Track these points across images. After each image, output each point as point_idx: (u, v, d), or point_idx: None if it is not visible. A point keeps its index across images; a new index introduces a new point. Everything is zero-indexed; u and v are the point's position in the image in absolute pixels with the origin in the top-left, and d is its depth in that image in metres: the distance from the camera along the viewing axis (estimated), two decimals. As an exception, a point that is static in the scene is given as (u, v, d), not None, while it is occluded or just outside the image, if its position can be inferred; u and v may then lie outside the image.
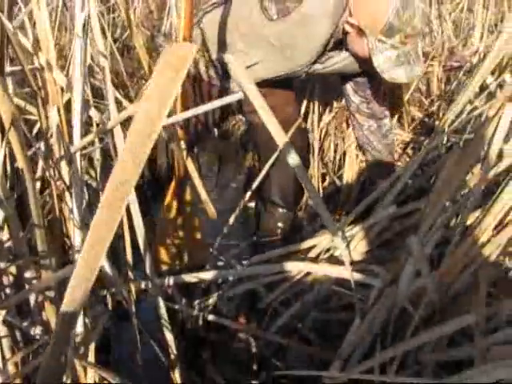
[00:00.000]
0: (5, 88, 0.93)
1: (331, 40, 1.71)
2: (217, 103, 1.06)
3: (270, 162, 1.75)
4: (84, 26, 0.99)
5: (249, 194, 1.64)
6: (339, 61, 1.83)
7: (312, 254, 1.53)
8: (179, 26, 1.33)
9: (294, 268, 1.36)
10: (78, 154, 1.08)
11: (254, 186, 1.64)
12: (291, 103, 2.08)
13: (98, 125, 1.23)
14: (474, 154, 1.12)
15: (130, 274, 1.27)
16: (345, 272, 1.25)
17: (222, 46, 1.80)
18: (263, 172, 1.89)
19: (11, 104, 0.93)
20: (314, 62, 1.79)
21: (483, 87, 1.84)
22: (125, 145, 0.36)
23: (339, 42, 1.75)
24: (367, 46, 1.65)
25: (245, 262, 1.70)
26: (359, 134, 2.19)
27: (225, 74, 1.90)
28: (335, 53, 1.81)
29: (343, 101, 2.26)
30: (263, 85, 1.90)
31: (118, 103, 1.56)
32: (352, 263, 1.25)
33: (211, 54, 1.84)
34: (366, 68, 1.89)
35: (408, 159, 2.42)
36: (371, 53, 1.64)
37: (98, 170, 1.58)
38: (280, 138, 0.95)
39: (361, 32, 1.64)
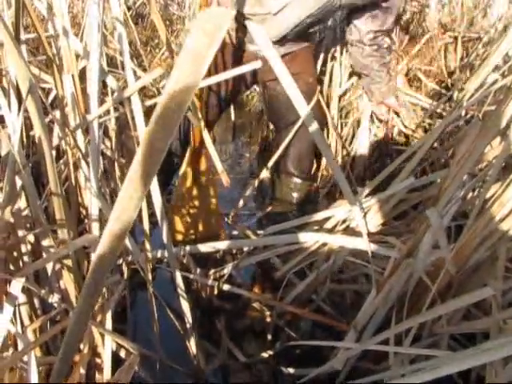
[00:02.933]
0: (22, 55, 0.92)
1: None
2: (236, 71, 1.05)
3: (291, 131, 1.75)
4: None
5: (264, 163, 1.62)
6: None
7: (328, 225, 1.53)
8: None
9: (310, 239, 1.36)
10: (94, 123, 1.07)
11: (275, 157, 1.63)
12: (311, 73, 2.06)
13: (113, 94, 1.22)
14: (495, 127, 1.10)
15: (146, 243, 1.27)
16: (362, 243, 1.25)
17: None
18: (285, 142, 1.88)
19: (28, 71, 0.92)
20: None
21: (505, 60, 1.81)
22: (155, 112, 0.35)
23: None
24: None
25: (260, 232, 1.70)
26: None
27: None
28: None
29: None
30: (285, 55, 1.89)
31: (132, 71, 1.55)
32: (368, 234, 1.25)
33: (238, 7, 1.80)
34: None
35: (426, 131, 2.39)
36: None
37: (114, 139, 1.57)
38: (301, 105, 0.93)
39: None
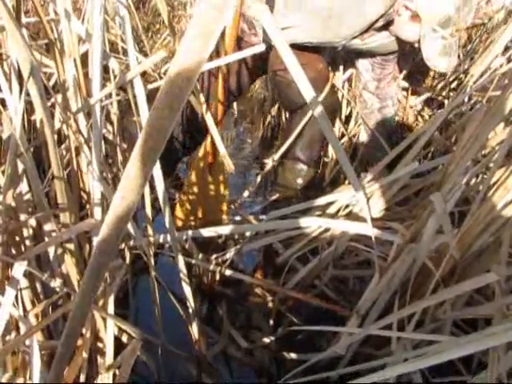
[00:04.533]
0: (23, 37, 0.91)
1: (381, 19, 1.70)
2: (238, 55, 1.05)
3: (303, 118, 1.74)
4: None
5: (266, 150, 1.62)
6: (378, 39, 1.84)
7: (331, 210, 1.52)
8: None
9: (313, 223, 1.35)
10: (96, 106, 1.06)
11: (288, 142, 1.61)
12: (321, 60, 2.06)
13: (115, 77, 1.21)
14: (499, 113, 1.10)
15: (149, 228, 1.27)
16: (365, 228, 1.25)
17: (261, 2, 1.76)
18: (297, 129, 1.88)
19: (29, 52, 0.91)
20: (355, 37, 1.78)
21: (508, 45, 1.80)
22: (161, 90, 0.34)
23: (387, 23, 1.73)
24: (418, 33, 1.67)
25: (263, 217, 1.70)
26: (362, 112, 2.20)
27: (257, 30, 1.87)
28: (377, 32, 1.80)
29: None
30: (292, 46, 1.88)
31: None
32: (371, 220, 1.24)
33: (246, 8, 1.80)
34: (399, 50, 1.90)
35: (430, 116, 2.38)
36: (422, 40, 1.67)
37: (116, 123, 1.57)
38: (310, 96, 0.93)
39: (416, 18, 1.65)
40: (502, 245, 1.09)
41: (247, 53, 1.09)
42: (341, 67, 2.34)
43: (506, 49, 1.86)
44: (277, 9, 1.75)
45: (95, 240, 1.09)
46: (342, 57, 2.31)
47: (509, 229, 1.09)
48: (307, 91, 0.94)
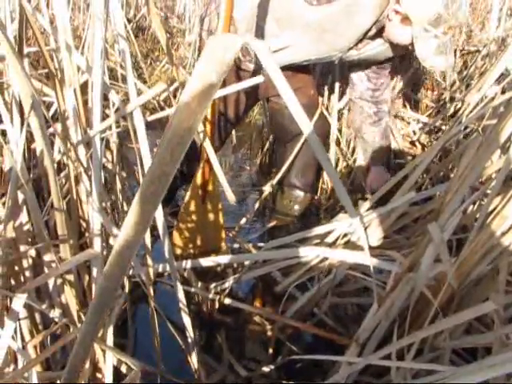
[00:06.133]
0: (24, 70, 0.93)
1: (373, 27, 1.72)
2: (238, 86, 1.06)
3: (295, 144, 1.75)
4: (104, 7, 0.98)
5: (264, 176, 1.63)
6: (374, 47, 1.85)
7: (329, 239, 1.53)
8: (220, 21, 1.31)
9: (311, 253, 1.36)
10: (96, 138, 1.07)
11: (282, 170, 1.63)
12: (312, 86, 2.08)
13: (114, 105, 1.22)
14: (496, 143, 1.11)
15: (148, 257, 1.27)
16: (363, 257, 1.25)
17: (252, 29, 1.78)
18: (291, 155, 1.89)
19: (31, 87, 0.92)
20: (350, 48, 1.80)
21: (503, 74, 1.82)
22: (162, 139, 0.35)
23: (380, 29, 1.75)
24: (411, 35, 1.68)
25: (261, 245, 1.70)
26: (355, 119, 2.20)
27: (253, 57, 1.89)
28: (371, 40, 1.82)
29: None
30: (285, 69, 1.90)
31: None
32: (369, 248, 1.25)
33: (242, 35, 1.82)
34: (395, 55, 1.91)
35: (425, 143, 2.40)
36: (415, 41, 1.68)
37: (115, 152, 1.58)
38: (303, 121, 0.93)
39: (406, 20, 1.67)
40: (499, 273, 1.09)
41: (247, 84, 1.10)
42: (335, 91, 2.36)
43: (502, 75, 1.88)
44: (269, 31, 1.77)
45: (95, 270, 1.09)
46: (334, 71, 2.32)
47: (506, 257, 1.09)
48: (300, 117, 0.95)
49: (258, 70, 1.84)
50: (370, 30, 1.73)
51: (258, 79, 1.09)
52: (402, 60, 2.51)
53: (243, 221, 1.92)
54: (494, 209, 1.11)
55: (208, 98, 0.32)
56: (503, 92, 1.78)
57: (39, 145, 0.95)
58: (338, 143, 2.45)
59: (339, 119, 2.45)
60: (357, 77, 2.10)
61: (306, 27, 1.72)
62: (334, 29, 1.70)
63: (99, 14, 0.96)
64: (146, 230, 0.40)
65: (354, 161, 2.47)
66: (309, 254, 1.36)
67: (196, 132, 1.39)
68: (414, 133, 2.50)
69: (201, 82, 0.31)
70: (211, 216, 1.68)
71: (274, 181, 2.07)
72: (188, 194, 1.65)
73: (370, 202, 1.52)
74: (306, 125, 0.98)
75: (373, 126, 2.15)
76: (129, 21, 4.18)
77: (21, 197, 1.03)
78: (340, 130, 2.47)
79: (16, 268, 1.08)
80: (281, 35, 1.76)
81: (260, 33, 1.78)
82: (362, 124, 2.18)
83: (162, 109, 2.78)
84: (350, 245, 1.48)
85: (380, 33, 1.78)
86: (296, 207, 2.17)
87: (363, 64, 2.01)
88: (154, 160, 0.36)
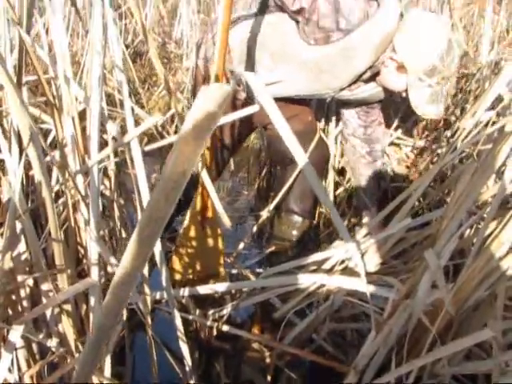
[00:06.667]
0: (23, 102, 0.94)
1: (368, 71, 1.75)
2: (234, 115, 1.07)
3: (294, 170, 1.76)
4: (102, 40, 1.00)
5: (262, 201, 1.64)
6: (366, 90, 1.88)
7: (327, 266, 1.53)
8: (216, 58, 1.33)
9: (308, 280, 1.36)
10: (94, 168, 1.08)
11: (279, 196, 1.64)
12: (309, 112, 2.10)
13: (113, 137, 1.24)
14: (490, 169, 1.12)
15: (145, 286, 1.27)
16: (360, 284, 1.25)
17: (248, 61, 1.81)
18: (289, 182, 1.90)
19: (30, 119, 0.93)
20: (343, 89, 1.82)
21: (497, 99, 1.84)
22: (157, 185, 0.36)
23: (374, 74, 1.78)
24: (405, 82, 1.71)
25: (259, 270, 1.70)
26: (350, 159, 2.21)
27: (248, 88, 1.91)
28: (365, 83, 1.85)
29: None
30: (280, 99, 1.93)
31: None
32: (367, 274, 1.25)
33: (235, 67, 1.84)
34: (386, 98, 1.94)
35: (421, 167, 2.40)
36: (409, 89, 1.71)
37: (113, 179, 1.58)
38: (297, 151, 0.95)
39: (401, 68, 1.70)
40: (497, 299, 1.09)
41: (242, 113, 1.11)
42: (333, 118, 2.37)
43: (496, 100, 1.90)
44: (263, 64, 1.79)
45: (92, 299, 1.09)
46: (328, 105, 2.34)
47: (504, 283, 1.09)
48: (294, 147, 0.96)
49: (253, 98, 1.85)
50: (364, 73, 1.76)
51: (254, 108, 1.10)
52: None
53: (241, 246, 1.92)
54: (491, 234, 1.12)
55: (201, 145, 0.33)
56: (498, 115, 1.80)
57: (37, 176, 0.95)
58: (338, 169, 2.46)
59: (338, 143, 2.47)
60: (348, 113, 2.12)
61: (302, 65, 1.74)
62: (331, 70, 1.73)
63: (98, 47, 0.98)
64: (142, 268, 0.41)
65: (351, 185, 2.48)
66: (306, 281, 1.36)
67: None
68: (407, 156, 2.51)
69: (193, 130, 0.32)
70: (210, 241, 1.68)
71: (272, 206, 2.08)
72: (187, 219, 1.65)
73: (368, 227, 1.53)
74: (299, 153, 0.99)
75: (368, 169, 2.15)
76: (127, 46, 4.21)
77: (19, 226, 1.04)
78: (336, 155, 2.48)
79: (13, 297, 1.08)
80: (275, 69, 1.78)
81: (253, 64, 1.80)
82: (356, 164, 2.19)
83: (161, 134, 2.79)
84: (348, 271, 1.48)
85: (374, 77, 1.81)
86: (294, 232, 2.17)
87: (354, 103, 2.03)
88: (149, 203, 0.36)
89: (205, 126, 0.32)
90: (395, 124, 2.36)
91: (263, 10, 1.78)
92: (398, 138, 2.54)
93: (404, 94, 1.76)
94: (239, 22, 1.79)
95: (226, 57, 1.41)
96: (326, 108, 2.36)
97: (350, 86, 1.82)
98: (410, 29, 1.66)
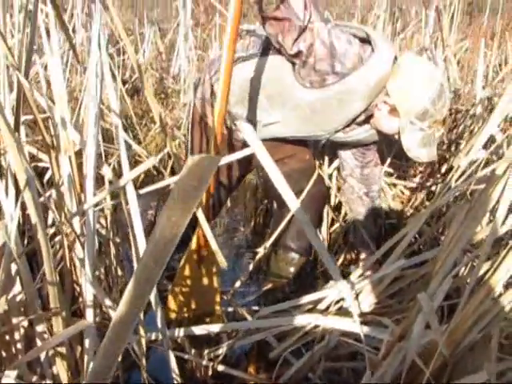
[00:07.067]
0: (20, 146, 0.95)
1: (363, 113, 1.78)
2: (231, 157, 1.09)
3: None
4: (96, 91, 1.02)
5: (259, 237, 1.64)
6: (361, 132, 1.91)
7: (322, 306, 1.53)
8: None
9: (304, 321, 1.36)
10: (90, 210, 1.09)
11: (275, 234, 1.64)
12: (307, 151, 2.12)
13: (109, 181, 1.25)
14: (484, 209, 1.13)
15: (140, 327, 1.27)
16: (354, 326, 1.25)
17: (245, 102, 1.84)
18: (286, 219, 1.91)
19: (26, 163, 0.94)
20: (338, 131, 1.85)
21: (490, 138, 1.87)
22: (148, 246, 0.37)
23: (368, 117, 1.82)
24: (398, 125, 1.75)
25: (255, 309, 1.70)
26: (348, 198, 2.24)
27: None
28: (359, 126, 1.88)
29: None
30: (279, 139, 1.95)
31: (127, 145, 1.58)
32: (361, 314, 1.25)
33: (231, 107, 1.86)
34: (381, 139, 1.97)
35: (415, 205, 2.42)
36: (401, 132, 1.74)
37: (109, 218, 1.59)
38: (287, 194, 0.96)
39: (394, 111, 1.73)
40: (491, 340, 1.09)
41: (238, 156, 1.13)
42: (328, 155, 2.39)
43: (490, 138, 1.92)
44: (261, 106, 1.82)
45: (87, 342, 1.09)
46: (325, 145, 2.37)
47: (498, 324, 1.10)
48: (284, 191, 0.98)
49: None
50: (358, 116, 1.79)
51: (250, 150, 1.12)
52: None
53: (238, 284, 1.92)
54: (485, 273, 1.12)
55: (189, 211, 0.34)
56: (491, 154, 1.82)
57: (33, 219, 0.96)
58: (334, 205, 2.48)
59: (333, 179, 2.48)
60: (345, 154, 2.16)
61: (297, 107, 1.77)
62: (324, 112, 1.76)
63: (93, 92, 1.00)
64: (130, 331, 0.41)
65: (347, 220, 2.48)
66: (301, 322, 1.36)
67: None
68: (402, 192, 2.53)
69: (182, 198, 0.33)
70: (206, 280, 1.68)
71: (269, 243, 2.08)
72: (183, 258, 1.66)
73: (363, 267, 1.53)
74: (289, 196, 1.01)
75: (365, 208, 2.18)
76: (124, 82, 4.27)
77: (14, 267, 1.04)
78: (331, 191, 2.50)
79: (7, 338, 1.08)
80: (271, 111, 1.81)
81: (251, 106, 1.83)
82: (354, 204, 2.22)
83: (157, 169, 2.81)
84: (343, 310, 1.48)
85: (368, 119, 1.85)
86: (291, 269, 2.17)
87: (349, 144, 2.06)
88: (140, 265, 0.37)
89: (192, 194, 0.33)
90: (389, 160, 2.37)
91: (261, 51, 1.82)
92: (392, 175, 2.56)
93: (396, 137, 1.79)
94: (237, 64, 1.82)
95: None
96: (322, 146, 2.39)
97: (344, 128, 1.85)
98: (402, 73, 1.69)
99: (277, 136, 1.87)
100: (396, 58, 1.71)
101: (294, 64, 1.72)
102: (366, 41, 1.71)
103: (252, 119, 1.85)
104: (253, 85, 1.79)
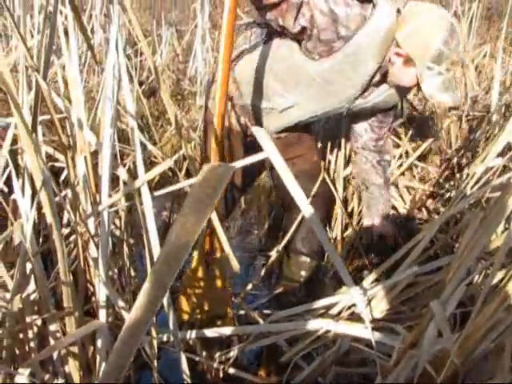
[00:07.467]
0: (38, 147, 0.96)
1: (378, 72, 1.76)
2: (242, 162, 1.09)
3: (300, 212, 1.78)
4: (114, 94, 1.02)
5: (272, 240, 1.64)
6: (379, 94, 1.88)
7: (334, 311, 1.53)
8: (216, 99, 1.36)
9: (315, 326, 1.36)
10: (105, 211, 1.10)
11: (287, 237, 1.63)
12: (316, 152, 2.12)
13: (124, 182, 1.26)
14: (499, 216, 1.12)
15: (152, 328, 1.28)
16: (365, 332, 1.25)
17: (259, 91, 1.84)
18: (296, 222, 1.91)
19: (43, 163, 0.95)
20: (356, 98, 1.83)
21: (507, 146, 1.85)
22: (161, 252, 0.37)
23: (384, 74, 1.80)
24: (415, 75, 1.71)
25: (267, 312, 1.70)
26: (361, 169, 2.22)
27: (258, 121, 1.93)
28: (376, 87, 1.86)
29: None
30: (290, 135, 1.94)
31: (143, 146, 1.59)
32: (373, 321, 1.25)
33: (245, 100, 1.87)
34: (402, 97, 1.97)
35: (429, 211, 2.41)
36: (420, 80, 1.70)
37: (123, 218, 1.60)
38: (299, 196, 0.97)
39: (409, 61, 1.69)
40: (505, 349, 1.09)
41: (251, 160, 1.13)
42: (342, 156, 2.39)
43: (507, 145, 1.90)
44: (276, 92, 1.83)
45: (99, 342, 1.10)
46: (339, 136, 2.36)
47: (511, 333, 1.09)
48: (296, 193, 0.98)
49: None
50: (374, 76, 1.77)
51: (264, 155, 1.12)
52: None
53: (250, 286, 1.93)
54: (499, 282, 1.12)
55: (203, 219, 0.34)
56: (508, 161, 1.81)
57: (48, 219, 0.97)
58: (348, 211, 2.47)
59: (345, 187, 2.48)
60: (360, 128, 2.12)
61: (310, 81, 1.76)
62: (339, 79, 1.74)
63: (110, 94, 1.00)
64: (148, 323, 0.42)
65: (362, 226, 2.48)
66: (312, 327, 1.36)
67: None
68: (419, 198, 2.52)
69: (196, 205, 0.33)
70: (218, 282, 1.69)
71: (280, 246, 2.08)
72: (194, 259, 1.66)
73: (376, 273, 1.53)
74: (301, 198, 1.01)
75: (378, 178, 2.17)
76: (141, 83, 4.29)
77: (28, 266, 1.05)
78: (346, 196, 2.50)
79: (21, 336, 1.09)
80: (287, 95, 1.81)
81: (265, 93, 1.83)
82: (366, 176, 2.21)
83: (172, 171, 2.82)
84: (355, 316, 1.48)
85: (384, 78, 1.82)
86: (302, 273, 2.17)
87: (369, 113, 2.03)
88: (153, 270, 0.38)
89: (206, 201, 0.34)
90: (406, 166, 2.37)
91: (264, 40, 1.83)
92: (410, 180, 2.56)
93: (416, 88, 1.76)
94: (243, 57, 1.83)
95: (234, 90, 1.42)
96: (344, 116, 2.38)
97: (362, 93, 1.83)
98: (409, 20, 1.66)
99: (296, 120, 1.86)
100: (399, 11, 1.68)
101: (299, 42, 1.72)
102: (365, 0, 1.70)
103: (269, 107, 1.85)
104: (264, 73, 1.79)
